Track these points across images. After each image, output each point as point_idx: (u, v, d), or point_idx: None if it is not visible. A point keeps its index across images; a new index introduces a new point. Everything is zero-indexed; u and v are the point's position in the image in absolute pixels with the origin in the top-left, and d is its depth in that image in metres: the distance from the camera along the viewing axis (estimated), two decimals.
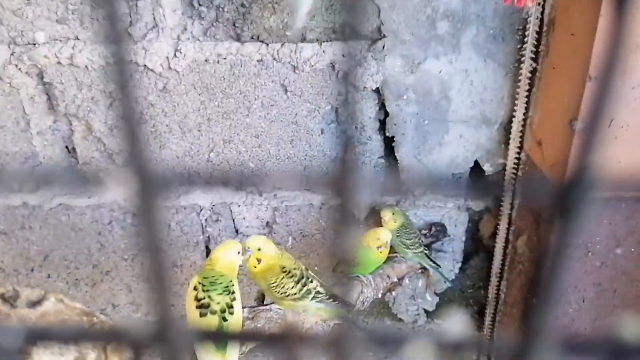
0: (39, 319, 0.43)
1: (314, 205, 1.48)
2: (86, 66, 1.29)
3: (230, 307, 1.02)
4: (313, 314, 1.19)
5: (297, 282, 1.13)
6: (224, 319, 1.01)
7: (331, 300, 1.16)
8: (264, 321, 1.12)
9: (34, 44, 1.27)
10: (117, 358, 0.46)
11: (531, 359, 0.18)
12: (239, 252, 1.08)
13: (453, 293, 1.60)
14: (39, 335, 0.19)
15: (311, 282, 1.15)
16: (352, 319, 1.26)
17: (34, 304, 0.44)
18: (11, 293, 0.54)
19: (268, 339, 0.20)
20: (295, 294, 1.13)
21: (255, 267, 1.12)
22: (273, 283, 1.13)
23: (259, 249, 1.12)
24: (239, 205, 1.48)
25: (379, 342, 0.19)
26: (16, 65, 1.29)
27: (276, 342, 0.19)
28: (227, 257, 1.05)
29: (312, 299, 1.15)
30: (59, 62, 1.28)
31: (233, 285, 1.05)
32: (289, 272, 1.13)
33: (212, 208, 1.48)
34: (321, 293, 1.15)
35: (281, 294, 1.13)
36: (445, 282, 1.50)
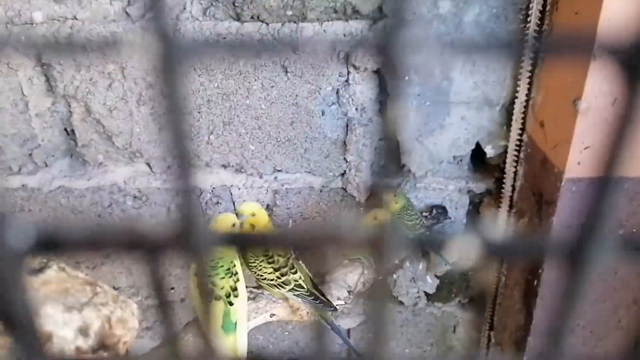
0: (41, 287, 0.42)
1: (314, 188, 1.48)
2: (84, 46, 1.27)
3: (235, 289, 1.01)
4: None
5: (277, 269, 1.08)
6: (230, 303, 1.00)
7: (312, 297, 1.10)
8: (265, 301, 1.12)
9: (32, 24, 1.26)
10: (122, 327, 0.45)
11: (587, 258, 0.17)
12: (234, 225, 1.04)
13: (453, 276, 1.60)
14: (52, 235, 0.19)
15: (294, 273, 1.10)
16: (331, 319, 1.18)
17: (36, 271, 0.43)
18: None
19: (295, 240, 0.19)
20: (272, 280, 1.09)
21: None
22: (252, 262, 1.09)
23: (252, 215, 1.09)
24: (239, 188, 1.47)
25: (422, 244, 0.19)
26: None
27: (305, 242, 0.18)
28: None
29: (290, 290, 1.09)
30: (57, 42, 1.27)
31: (234, 266, 1.03)
32: (271, 256, 1.08)
33: (212, 190, 1.47)
34: (302, 287, 1.10)
35: (257, 275, 1.10)
36: (445, 264, 1.50)
